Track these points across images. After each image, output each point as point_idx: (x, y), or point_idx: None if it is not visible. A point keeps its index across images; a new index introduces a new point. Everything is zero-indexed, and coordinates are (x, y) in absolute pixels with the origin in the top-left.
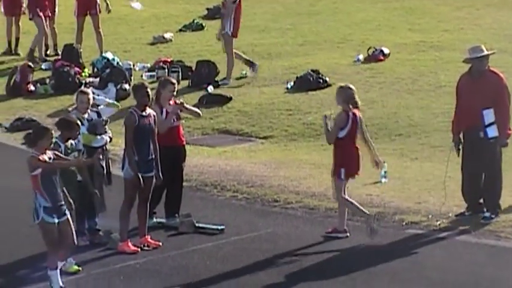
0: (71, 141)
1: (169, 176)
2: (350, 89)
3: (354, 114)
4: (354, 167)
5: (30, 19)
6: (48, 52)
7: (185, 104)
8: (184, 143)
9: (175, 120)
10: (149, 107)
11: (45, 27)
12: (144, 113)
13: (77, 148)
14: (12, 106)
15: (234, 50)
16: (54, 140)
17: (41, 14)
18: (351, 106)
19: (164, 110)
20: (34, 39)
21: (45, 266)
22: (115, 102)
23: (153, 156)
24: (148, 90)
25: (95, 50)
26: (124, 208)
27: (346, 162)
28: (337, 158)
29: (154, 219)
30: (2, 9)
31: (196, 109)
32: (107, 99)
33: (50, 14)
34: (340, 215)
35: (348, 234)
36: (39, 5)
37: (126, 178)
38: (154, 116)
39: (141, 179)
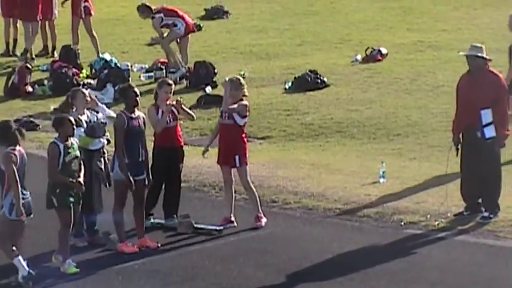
0: (71, 140)
1: (166, 177)
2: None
3: None
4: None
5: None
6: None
7: (182, 105)
8: (182, 143)
9: (171, 120)
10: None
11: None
12: (133, 115)
13: (76, 149)
14: (10, 107)
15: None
16: (52, 140)
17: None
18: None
19: (160, 110)
20: (28, 39)
21: (41, 267)
22: (114, 116)
23: (144, 158)
24: (136, 90)
25: (93, 51)
26: (116, 209)
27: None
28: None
29: (152, 220)
30: (0, 10)
31: (191, 112)
32: (108, 110)
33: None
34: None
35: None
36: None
37: (116, 180)
38: (143, 117)
39: (133, 182)
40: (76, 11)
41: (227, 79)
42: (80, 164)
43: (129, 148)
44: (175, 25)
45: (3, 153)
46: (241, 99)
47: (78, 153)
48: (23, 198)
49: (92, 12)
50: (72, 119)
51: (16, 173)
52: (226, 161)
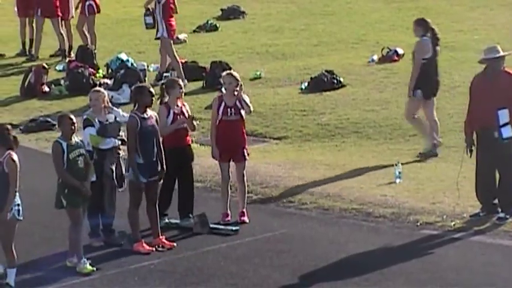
0: (75, 138)
1: (178, 177)
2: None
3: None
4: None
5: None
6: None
7: (193, 120)
8: (190, 142)
9: (181, 124)
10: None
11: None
12: (145, 115)
13: (81, 147)
14: (26, 107)
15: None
16: (56, 139)
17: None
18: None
19: (172, 111)
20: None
21: (57, 266)
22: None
23: (158, 157)
24: (152, 90)
25: (109, 50)
26: (131, 210)
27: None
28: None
29: (166, 220)
30: (16, 10)
31: (196, 123)
32: (122, 113)
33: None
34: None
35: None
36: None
37: (131, 180)
38: (156, 117)
39: (142, 184)
40: (82, 10)
41: (225, 73)
42: (88, 163)
43: (144, 149)
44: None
45: (4, 156)
46: (236, 93)
47: (83, 151)
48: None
49: (96, 11)
50: (73, 117)
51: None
52: (233, 157)
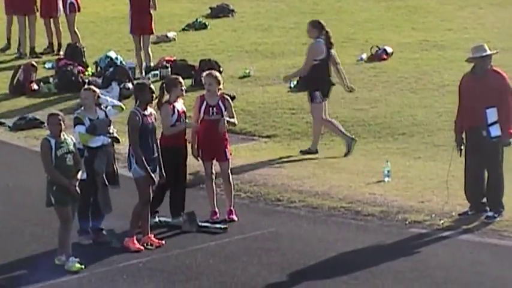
0: (64, 136)
1: (172, 176)
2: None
3: None
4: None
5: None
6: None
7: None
8: (187, 142)
9: (182, 121)
10: (159, 107)
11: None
12: (146, 112)
13: (70, 144)
14: (15, 105)
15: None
16: (44, 136)
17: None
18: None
19: (176, 110)
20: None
21: (45, 265)
22: (120, 104)
23: (157, 154)
24: (152, 87)
25: (98, 48)
26: (139, 206)
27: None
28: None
29: (156, 219)
30: (4, 8)
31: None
32: (110, 99)
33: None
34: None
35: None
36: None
37: (137, 178)
38: (154, 114)
39: (153, 177)
40: (63, 8)
41: (205, 74)
42: (77, 161)
43: (143, 145)
44: None
45: None
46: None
47: (72, 148)
48: None
49: (77, 10)
50: (62, 116)
51: None
52: (215, 156)
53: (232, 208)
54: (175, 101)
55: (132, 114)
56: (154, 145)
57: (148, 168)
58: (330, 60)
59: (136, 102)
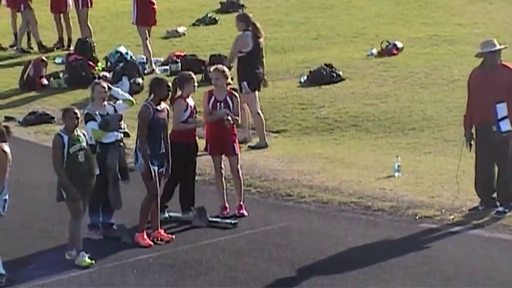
0: (78, 132)
1: (181, 171)
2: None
3: None
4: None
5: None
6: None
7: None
8: (196, 138)
9: (193, 118)
10: (171, 102)
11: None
12: (159, 107)
13: (83, 141)
14: (25, 100)
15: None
16: (57, 132)
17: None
18: None
19: (189, 106)
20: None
21: (55, 259)
22: (131, 98)
23: (165, 150)
24: (169, 84)
25: (108, 43)
26: (147, 200)
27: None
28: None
29: (166, 214)
30: (5, 2)
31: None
32: (122, 92)
33: (63, 8)
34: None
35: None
36: None
37: (143, 172)
38: (168, 110)
39: (153, 173)
40: (76, 3)
41: (212, 69)
42: (89, 157)
43: (151, 140)
44: None
45: None
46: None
47: (85, 145)
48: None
49: (90, 5)
50: (77, 111)
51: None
52: (223, 151)
53: (242, 203)
54: (187, 97)
55: (143, 108)
56: (163, 141)
57: (149, 164)
58: (259, 53)
59: (150, 96)
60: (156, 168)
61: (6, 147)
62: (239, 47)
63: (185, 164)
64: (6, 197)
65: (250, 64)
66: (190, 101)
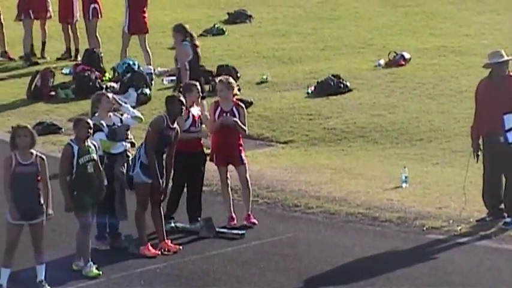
0: (88, 143)
1: (187, 181)
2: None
3: None
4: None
5: (18, 20)
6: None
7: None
8: (203, 148)
9: (196, 126)
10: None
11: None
12: (171, 125)
13: (93, 152)
14: (33, 110)
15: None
16: (67, 141)
17: (32, 15)
18: None
19: (191, 114)
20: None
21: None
22: (140, 116)
23: (164, 165)
24: (182, 99)
25: (116, 54)
26: (138, 212)
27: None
28: None
29: (172, 224)
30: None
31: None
32: (132, 110)
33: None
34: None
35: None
36: (31, 6)
37: (137, 182)
38: (178, 131)
39: (160, 183)
40: (85, 13)
41: (217, 80)
42: (98, 168)
43: (155, 152)
44: None
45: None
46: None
47: (95, 156)
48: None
49: (100, 15)
50: (90, 122)
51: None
52: (230, 161)
53: (249, 213)
54: (191, 106)
55: (158, 118)
56: (164, 157)
57: (158, 176)
58: (198, 61)
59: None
60: (151, 180)
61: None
62: (186, 57)
63: (192, 173)
64: None
65: (192, 73)
66: (194, 110)
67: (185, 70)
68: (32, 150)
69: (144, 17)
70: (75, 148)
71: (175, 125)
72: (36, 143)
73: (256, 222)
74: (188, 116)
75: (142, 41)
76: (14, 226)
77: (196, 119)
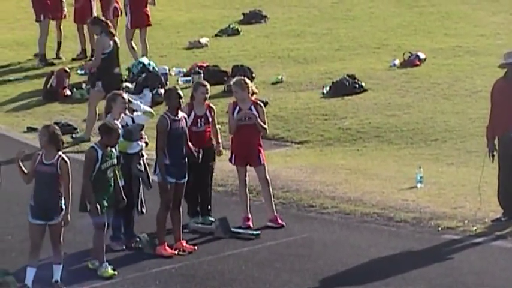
0: (111, 148)
1: (197, 177)
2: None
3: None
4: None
5: (37, 21)
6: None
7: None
8: (211, 145)
9: (202, 124)
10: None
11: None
12: (176, 117)
13: (114, 158)
14: (48, 111)
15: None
16: (92, 145)
17: (50, 16)
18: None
19: (194, 113)
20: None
21: (77, 269)
22: (151, 111)
23: (186, 160)
24: (180, 92)
25: (131, 55)
26: (161, 211)
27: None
28: None
29: (196, 222)
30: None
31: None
32: (143, 106)
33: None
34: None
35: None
36: (47, 7)
37: (160, 182)
38: (186, 119)
39: (169, 185)
40: (105, 13)
41: (232, 82)
42: (115, 172)
43: (172, 150)
44: None
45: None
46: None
47: (115, 161)
48: None
49: (120, 14)
50: (120, 131)
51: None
52: (248, 161)
53: (276, 214)
54: (197, 105)
55: (160, 118)
56: (184, 149)
57: (165, 176)
58: (117, 52)
59: (167, 107)
60: (174, 180)
61: (65, 157)
62: (102, 49)
63: (197, 169)
64: None
65: (110, 64)
66: (199, 110)
67: (97, 61)
68: (60, 152)
69: (146, 11)
70: (100, 153)
71: (181, 114)
72: (59, 144)
73: (284, 224)
74: (189, 115)
75: (143, 33)
76: (34, 226)
77: (199, 117)
